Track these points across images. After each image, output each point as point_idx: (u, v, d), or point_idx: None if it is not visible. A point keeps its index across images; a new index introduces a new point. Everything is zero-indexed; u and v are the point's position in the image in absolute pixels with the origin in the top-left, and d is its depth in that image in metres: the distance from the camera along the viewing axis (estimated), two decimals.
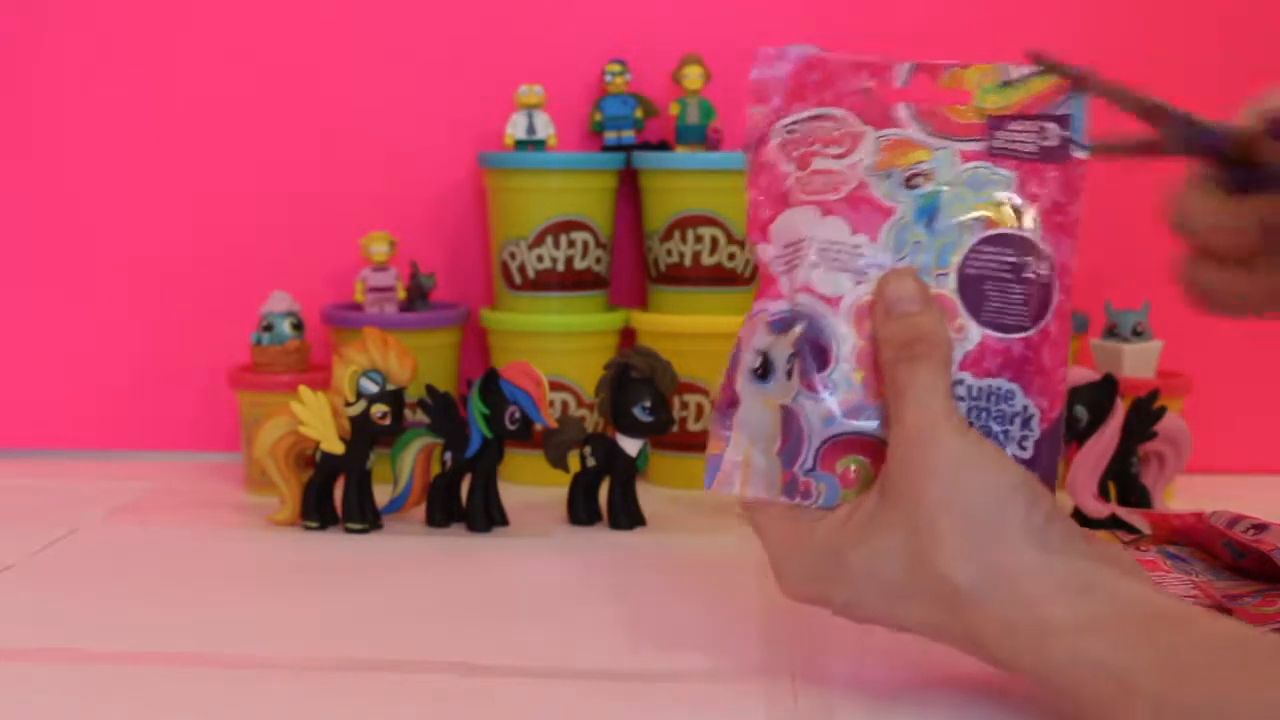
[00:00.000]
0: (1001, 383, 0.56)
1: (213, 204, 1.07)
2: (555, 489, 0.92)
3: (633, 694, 0.58)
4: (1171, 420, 0.84)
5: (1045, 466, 0.56)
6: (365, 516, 0.85)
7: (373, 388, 0.84)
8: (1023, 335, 0.56)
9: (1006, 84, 0.59)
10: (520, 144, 1.01)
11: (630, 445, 0.86)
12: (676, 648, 0.64)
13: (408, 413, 0.87)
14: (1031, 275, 0.56)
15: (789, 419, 0.56)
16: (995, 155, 0.58)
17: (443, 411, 0.86)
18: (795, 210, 0.59)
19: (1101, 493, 0.82)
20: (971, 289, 0.56)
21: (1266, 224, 0.55)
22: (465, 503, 0.87)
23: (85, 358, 1.09)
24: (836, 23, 1.04)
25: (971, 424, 0.55)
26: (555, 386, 0.96)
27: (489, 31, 1.06)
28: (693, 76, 1.00)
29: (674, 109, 1.01)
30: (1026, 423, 0.56)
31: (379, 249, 1.00)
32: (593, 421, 0.97)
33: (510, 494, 0.89)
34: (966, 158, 0.58)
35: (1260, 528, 0.63)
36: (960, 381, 0.56)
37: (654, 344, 0.92)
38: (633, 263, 1.07)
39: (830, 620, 0.57)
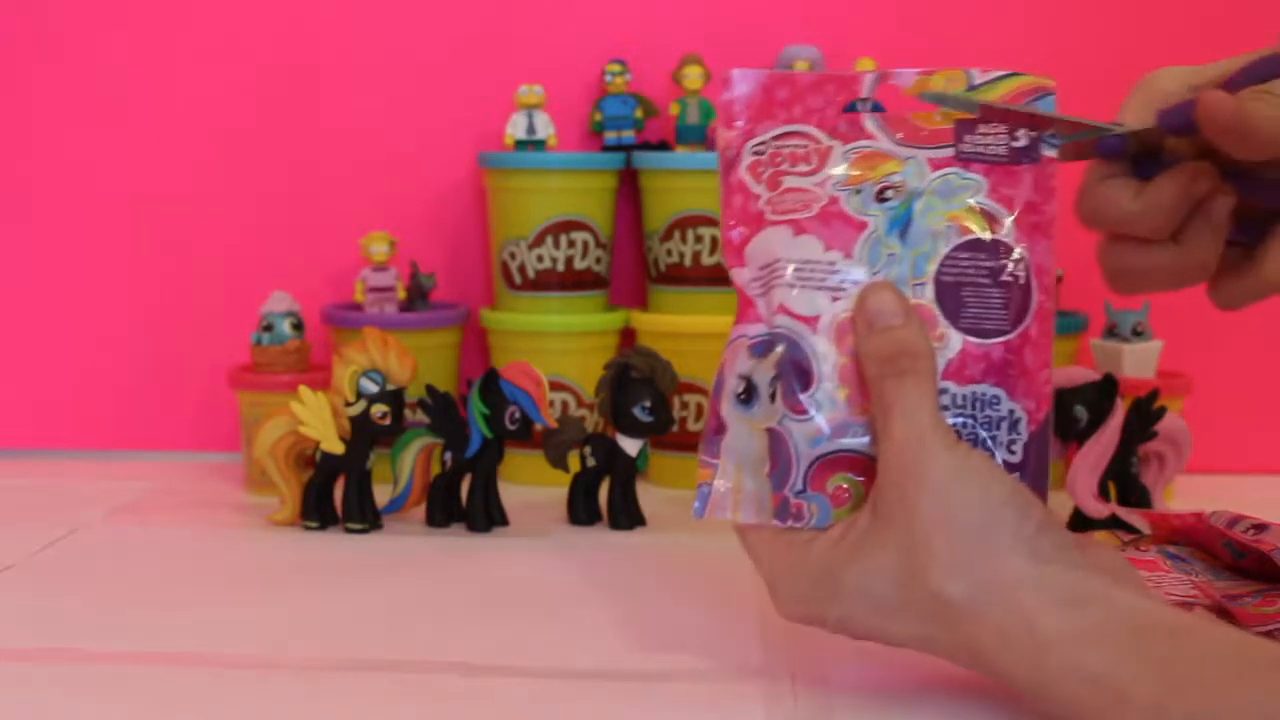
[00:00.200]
0: (986, 388, 0.56)
1: (213, 204, 1.07)
2: (555, 489, 0.92)
3: (632, 694, 0.58)
4: (1171, 420, 0.84)
5: (1036, 469, 0.56)
6: (365, 516, 0.85)
7: (373, 388, 0.84)
8: (1003, 339, 0.56)
9: (973, 87, 0.59)
10: (520, 144, 1.01)
11: (630, 445, 0.86)
12: (676, 648, 0.64)
13: (408, 413, 0.87)
14: (1009, 278, 0.56)
15: (776, 442, 0.56)
16: (965, 160, 0.58)
17: (443, 411, 0.86)
18: (768, 231, 0.59)
19: (1101, 493, 0.82)
20: (949, 296, 0.56)
21: (1190, 195, 0.57)
22: (465, 503, 0.87)
23: (85, 358, 1.09)
24: (837, 22, 1.04)
25: (959, 432, 0.55)
26: (555, 386, 0.96)
27: (489, 32, 1.06)
28: (693, 76, 1.00)
29: (674, 109, 1.01)
30: (1014, 426, 0.56)
31: (379, 249, 1.00)
32: (593, 421, 0.97)
33: (510, 494, 0.89)
34: (936, 165, 0.58)
35: (1260, 528, 0.63)
36: (945, 390, 0.56)
37: (654, 344, 0.92)
38: (633, 263, 1.07)
39: None
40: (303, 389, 0.85)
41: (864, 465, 0.56)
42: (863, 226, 0.58)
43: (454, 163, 1.07)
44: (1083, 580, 0.51)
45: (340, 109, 1.06)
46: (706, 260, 0.98)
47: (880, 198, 0.58)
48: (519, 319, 1.00)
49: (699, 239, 0.98)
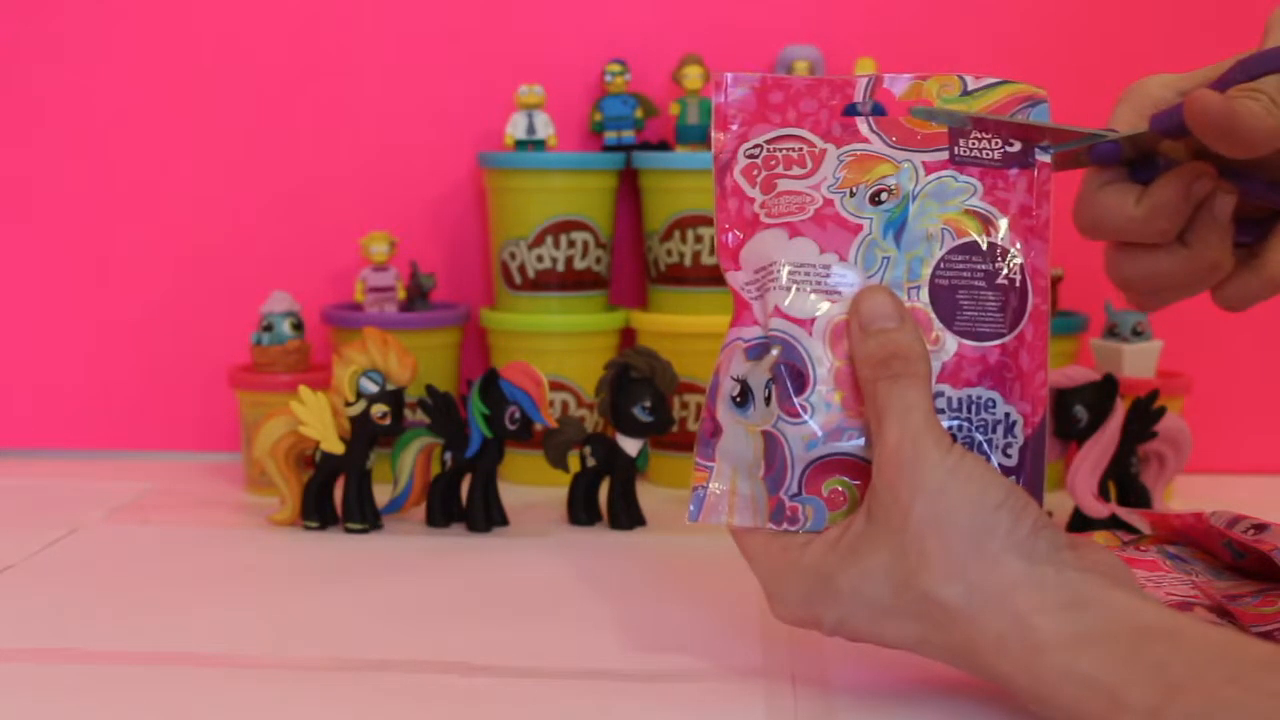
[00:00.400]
0: (981, 391, 0.56)
1: (213, 204, 1.07)
2: (555, 489, 0.93)
3: (633, 694, 0.58)
4: (1171, 420, 0.84)
5: (1032, 472, 0.56)
6: (365, 516, 0.85)
7: (373, 388, 0.84)
8: (999, 342, 0.56)
9: (967, 93, 0.59)
10: (520, 144, 1.01)
11: (630, 445, 0.86)
12: (676, 648, 0.64)
13: (408, 413, 0.87)
14: (1004, 281, 0.56)
15: (771, 445, 0.56)
16: (959, 164, 0.58)
17: (443, 411, 0.86)
18: (763, 234, 0.59)
19: (1101, 493, 0.82)
20: (944, 299, 0.56)
21: (1192, 194, 0.56)
22: (465, 503, 0.87)
23: (86, 358, 1.09)
24: (836, 23, 1.04)
25: (954, 435, 0.55)
26: (555, 386, 0.96)
27: (489, 31, 1.06)
28: (693, 76, 1.00)
29: (674, 109, 1.01)
30: (1010, 429, 0.56)
31: (379, 249, 1.00)
32: (593, 421, 0.97)
33: (510, 494, 0.89)
34: (930, 168, 0.58)
35: (1260, 528, 0.63)
36: (940, 394, 0.56)
37: (654, 344, 0.92)
38: (633, 263, 1.07)
39: None
40: (303, 389, 0.85)
41: (859, 468, 0.56)
42: (858, 229, 0.58)
43: (454, 163, 1.07)
44: (1078, 583, 0.51)
45: (340, 109, 1.06)
46: (706, 260, 0.98)
47: (875, 200, 0.58)
48: (519, 319, 1.00)
49: (699, 239, 0.98)
